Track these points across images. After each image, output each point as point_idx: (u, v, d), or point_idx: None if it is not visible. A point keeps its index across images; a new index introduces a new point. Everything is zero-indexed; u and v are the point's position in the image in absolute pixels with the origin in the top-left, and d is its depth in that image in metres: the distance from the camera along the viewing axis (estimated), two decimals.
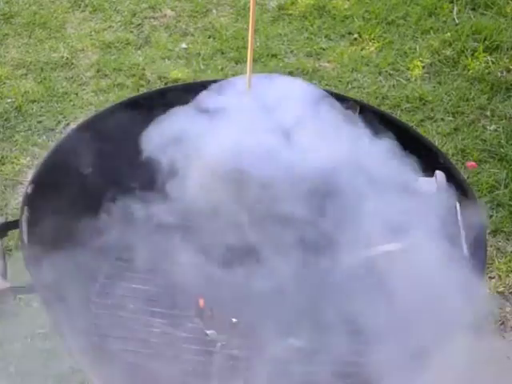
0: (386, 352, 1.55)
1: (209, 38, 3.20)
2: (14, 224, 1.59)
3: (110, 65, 3.03)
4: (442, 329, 1.44)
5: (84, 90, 2.93)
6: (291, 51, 3.16)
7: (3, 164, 2.63)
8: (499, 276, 2.36)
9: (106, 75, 3.00)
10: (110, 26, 3.23)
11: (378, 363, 1.53)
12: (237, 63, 3.06)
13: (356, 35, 3.24)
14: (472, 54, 3.13)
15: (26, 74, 2.98)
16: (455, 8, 3.37)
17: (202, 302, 1.60)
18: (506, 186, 2.61)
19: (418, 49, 3.17)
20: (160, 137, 1.52)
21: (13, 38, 3.15)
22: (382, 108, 2.82)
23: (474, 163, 2.69)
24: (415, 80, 3.04)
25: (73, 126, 2.68)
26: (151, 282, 1.68)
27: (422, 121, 2.86)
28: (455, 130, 2.82)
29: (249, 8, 1.44)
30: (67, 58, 3.06)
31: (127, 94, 2.86)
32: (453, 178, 1.64)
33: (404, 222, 1.50)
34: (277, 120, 1.47)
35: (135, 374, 1.39)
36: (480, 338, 2.14)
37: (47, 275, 1.55)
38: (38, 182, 1.63)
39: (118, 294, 1.70)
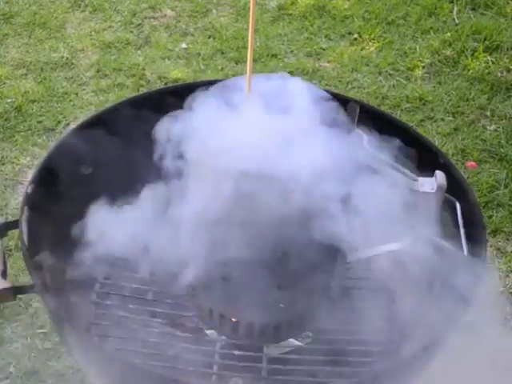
0: (386, 352, 1.55)
1: (209, 38, 3.20)
2: (14, 224, 1.59)
3: (110, 65, 3.03)
4: (442, 329, 1.44)
5: (84, 90, 2.93)
6: (291, 51, 3.16)
7: (3, 164, 2.63)
8: (499, 276, 2.36)
9: (106, 75, 3.00)
10: (110, 26, 3.23)
11: (377, 363, 1.53)
12: (237, 63, 3.06)
13: (356, 35, 3.24)
14: (472, 54, 3.13)
15: (25, 74, 2.98)
16: (455, 8, 3.37)
17: (203, 302, 1.60)
18: (506, 186, 2.61)
19: (417, 49, 3.17)
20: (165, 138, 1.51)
21: (13, 37, 3.15)
22: (382, 108, 2.82)
23: (473, 163, 2.69)
24: (415, 80, 3.04)
25: (73, 125, 2.68)
26: (151, 282, 1.67)
27: (422, 121, 2.86)
28: (455, 129, 2.82)
29: (249, 8, 1.44)
30: (67, 58, 3.06)
31: (127, 94, 2.86)
32: (453, 177, 1.64)
33: (404, 221, 1.50)
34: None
35: (135, 373, 1.39)
36: (480, 338, 2.14)
37: (47, 275, 1.55)
38: (37, 182, 1.63)
39: (117, 294, 1.70)
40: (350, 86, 3.00)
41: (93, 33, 3.20)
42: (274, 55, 3.12)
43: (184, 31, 3.24)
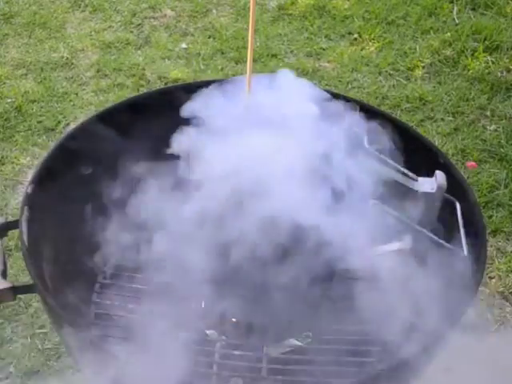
0: (386, 352, 1.55)
1: (209, 38, 3.20)
2: (14, 224, 1.59)
3: (110, 65, 3.03)
4: (441, 329, 1.44)
5: (84, 89, 2.93)
6: (291, 51, 3.16)
7: (3, 164, 2.63)
8: (499, 276, 2.36)
9: (106, 75, 3.00)
10: (110, 26, 3.23)
11: (377, 363, 1.53)
12: (237, 63, 3.06)
13: (356, 35, 3.24)
14: (472, 54, 3.13)
15: (25, 74, 2.98)
16: (455, 8, 3.37)
17: (203, 303, 1.60)
18: (506, 186, 2.61)
19: (417, 49, 3.17)
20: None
21: (13, 37, 3.15)
22: (382, 108, 2.82)
23: (473, 163, 2.69)
24: (415, 80, 3.04)
25: (73, 125, 2.68)
26: (151, 282, 1.67)
27: (422, 121, 2.86)
28: (455, 129, 2.82)
29: (249, 8, 1.44)
30: (67, 58, 3.06)
31: (127, 94, 2.86)
32: (453, 177, 1.64)
33: (404, 221, 1.50)
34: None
35: (135, 374, 1.39)
36: (480, 338, 2.14)
37: (47, 275, 1.55)
38: (38, 182, 1.63)
39: (117, 294, 1.70)
40: (349, 85, 3.00)
41: (93, 33, 3.20)
42: (274, 55, 3.12)
43: (184, 31, 3.24)
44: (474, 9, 3.38)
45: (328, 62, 3.12)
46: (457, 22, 3.31)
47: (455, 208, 1.58)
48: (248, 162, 1.41)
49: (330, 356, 1.55)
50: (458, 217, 1.57)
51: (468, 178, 2.59)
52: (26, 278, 1.91)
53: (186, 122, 1.51)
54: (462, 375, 1.97)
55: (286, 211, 1.42)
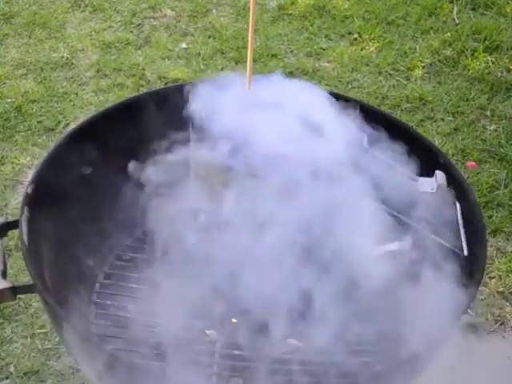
0: (386, 352, 1.55)
1: (209, 38, 3.20)
2: (14, 224, 1.59)
3: (110, 65, 3.03)
4: (441, 329, 1.44)
5: (84, 89, 2.93)
6: (291, 51, 3.16)
7: (3, 164, 2.63)
8: (499, 276, 2.36)
9: (106, 75, 3.00)
10: (110, 26, 3.23)
11: (377, 363, 1.53)
12: (237, 63, 3.06)
13: (356, 35, 3.24)
14: (472, 54, 3.13)
15: (25, 74, 2.98)
16: (455, 8, 3.37)
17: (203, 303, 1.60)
18: (506, 186, 2.61)
19: (418, 49, 3.17)
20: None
21: (13, 37, 3.15)
22: (382, 108, 2.82)
23: (473, 163, 2.69)
24: (415, 80, 3.04)
25: (73, 125, 2.68)
26: (151, 282, 1.67)
27: (422, 121, 2.86)
28: (455, 129, 2.82)
29: (249, 8, 1.44)
30: (67, 58, 3.06)
31: (127, 94, 2.86)
32: (453, 177, 1.64)
33: (404, 221, 1.51)
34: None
35: (135, 373, 1.39)
36: (480, 338, 2.14)
37: (47, 275, 1.55)
38: (38, 182, 1.63)
39: (118, 294, 1.70)
40: (349, 86, 3.00)
41: (93, 33, 3.20)
42: (274, 55, 3.12)
43: (184, 31, 3.23)
44: (474, 9, 3.38)
45: (328, 61, 3.12)
46: (457, 21, 3.31)
47: (455, 208, 1.58)
48: None
49: (330, 356, 1.55)
50: (458, 217, 1.57)
51: (468, 178, 2.59)
52: (26, 278, 1.91)
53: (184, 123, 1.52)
54: (462, 375, 1.97)
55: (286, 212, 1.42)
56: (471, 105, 2.92)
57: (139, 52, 3.11)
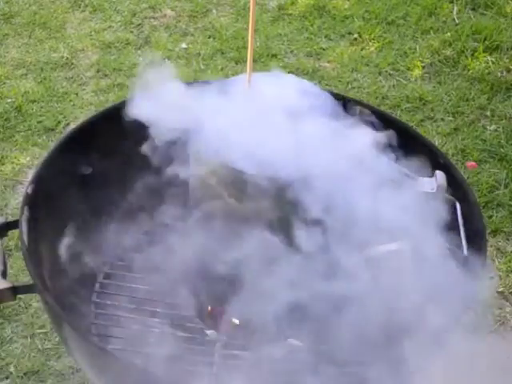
0: (386, 352, 1.55)
1: (209, 38, 3.20)
2: (14, 224, 1.59)
3: (110, 65, 3.03)
4: (441, 329, 1.44)
5: (84, 89, 2.93)
6: (291, 51, 3.16)
7: (3, 164, 2.63)
8: (499, 276, 2.36)
9: (106, 75, 2.99)
10: (109, 26, 3.23)
11: (377, 363, 1.53)
12: (237, 63, 3.06)
13: (356, 35, 3.24)
14: (472, 54, 3.13)
15: (25, 74, 2.98)
16: (455, 8, 3.37)
17: (203, 302, 1.60)
18: (506, 186, 2.61)
19: (417, 49, 3.17)
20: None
21: (13, 37, 3.15)
22: (382, 108, 2.82)
23: (474, 163, 2.69)
24: (415, 80, 3.03)
25: (73, 125, 2.68)
26: (151, 282, 1.67)
27: (421, 121, 2.86)
28: (455, 129, 2.82)
29: (249, 8, 1.44)
30: (67, 58, 3.06)
31: (127, 94, 2.85)
32: (453, 177, 1.64)
33: (404, 221, 1.50)
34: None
35: (135, 374, 1.39)
36: (480, 338, 2.14)
37: (47, 275, 1.55)
38: (38, 182, 1.63)
39: (117, 294, 1.70)
40: (349, 86, 3.00)
41: (93, 33, 3.20)
42: (274, 55, 3.12)
43: (184, 31, 3.23)
44: (474, 9, 3.38)
45: (328, 61, 3.12)
46: (457, 21, 3.31)
47: (455, 208, 1.58)
48: None
49: (330, 356, 1.54)
50: (458, 217, 1.57)
51: (468, 178, 2.59)
52: (26, 278, 1.91)
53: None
54: (462, 375, 1.97)
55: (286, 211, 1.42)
56: (471, 105, 2.92)
57: (139, 52, 3.11)
